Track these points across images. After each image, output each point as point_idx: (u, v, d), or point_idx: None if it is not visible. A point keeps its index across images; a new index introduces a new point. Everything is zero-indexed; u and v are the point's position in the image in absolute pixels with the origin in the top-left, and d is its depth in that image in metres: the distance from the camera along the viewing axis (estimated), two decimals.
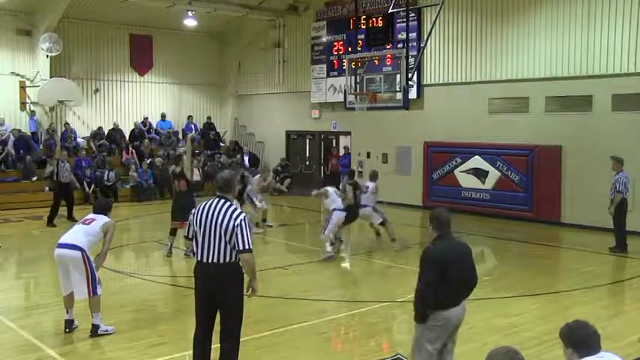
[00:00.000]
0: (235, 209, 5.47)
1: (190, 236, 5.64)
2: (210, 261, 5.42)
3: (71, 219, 15.09)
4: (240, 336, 5.61)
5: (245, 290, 5.58)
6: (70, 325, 7.42)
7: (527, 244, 13.76)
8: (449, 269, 4.94)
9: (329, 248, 11.93)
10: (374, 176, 13.44)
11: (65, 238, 7.34)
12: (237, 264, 5.45)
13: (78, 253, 7.15)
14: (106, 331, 7.35)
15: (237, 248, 5.36)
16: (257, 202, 15.04)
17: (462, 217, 15.88)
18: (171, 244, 11.88)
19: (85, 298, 7.26)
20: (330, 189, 12.41)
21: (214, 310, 5.56)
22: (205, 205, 5.58)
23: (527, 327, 7.74)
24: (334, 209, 11.99)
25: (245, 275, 5.55)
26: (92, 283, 7.20)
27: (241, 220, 5.39)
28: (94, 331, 7.28)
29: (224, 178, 5.70)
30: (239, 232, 5.34)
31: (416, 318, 5.17)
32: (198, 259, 5.50)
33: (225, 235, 5.36)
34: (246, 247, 5.35)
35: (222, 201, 5.53)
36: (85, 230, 7.35)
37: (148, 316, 8.23)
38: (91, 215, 7.59)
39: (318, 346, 7.21)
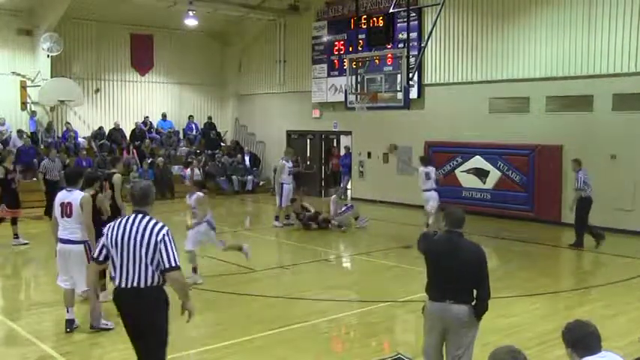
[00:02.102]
0: (156, 223, 4.82)
1: (102, 259, 4.99)
2: (130, 286, 4.78)
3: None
4: None
5: (181, 313, 5.02)
6: (70, 324, 7.43)
7: (528, 243, 13.76)
8: (433, 262, 5.20)
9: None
10: (428, 160, 14.61)
11: (64, 233, 7.39)
12: (161, 287, 4.85)
13: (80, 247, 7.33)
14: (106, 325, 7.40)
15: (162, 267, 4.74)
16: (278, 197, 15.48)
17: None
18: None
19: (86, 290, 7.28)
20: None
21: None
22: (121, 222, 4.92)
23: (527, 327, 7.74)
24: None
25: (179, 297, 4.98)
26: None
27: (164, 234, 4.76)
28: (96, 325, 7.37)
29: (142, 189, 4.99)
30: (163, 248, 4.72)
31: None
32: (116, 284, 4.87)
33: (146, 256, 4.73)
34: (173, 264, 4.72)
35: (141, 216, 4.87)
36: (72, 222, 7.35)
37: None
38: (66, 196, 7.43)
39: (318, 346, 7.22)
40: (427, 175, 14.18)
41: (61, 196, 7.51)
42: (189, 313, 5.04)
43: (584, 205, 12.77)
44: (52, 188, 15.92)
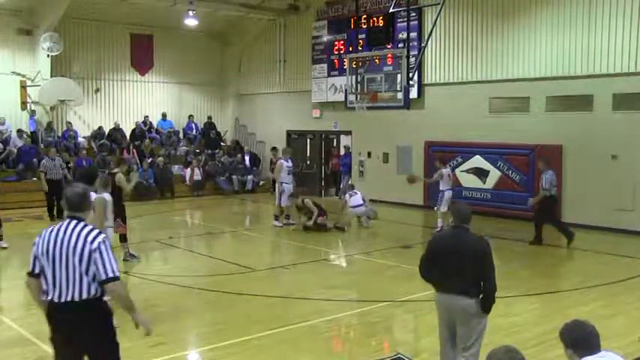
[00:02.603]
0: (91, 230, 4.41)
1: (37, 271, 4.47)
2: (64, 300, 4.34)
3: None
4: None
5: (135, 327, 4.60)
6: None
7: (528, 243, 13.76)
8: (435, 255, 5.47)
9: None
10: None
11: None
12: (100, 299, 4.44)
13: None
14: None
15: (99, 278, 4.32)
16: (277, 196, 15.46)
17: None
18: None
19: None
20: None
21: None
22: (53, 229, 4.48)
23: (527, 327, 7.75)
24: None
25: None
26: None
27: (100, 242, 4.34)
28: None
29: (76, 194, 4.53)
30: (98, 257, 4.30)
31: None
32: (49, 298, 4.40)
33: (80, 265, 4.31)
34: (110, 274, 4.30)
35: (74, 223, 4.43)
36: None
37: (148, 316, 8.21)
38: None
39: (318, 346, 7.22)
40: (449, 176, 14.63)
41: None
42: (142, 326, 4.58)
43: (548, 203, 13.06)
44: (53, 188, 15.97)
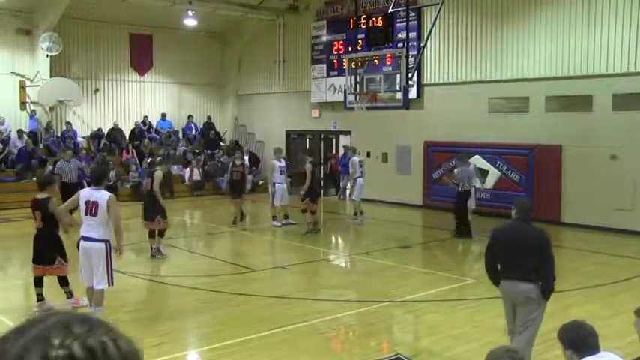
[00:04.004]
0: None
1: None
2: None
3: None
4: None
5: None
6: None
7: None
8: (499, 245, 6.01)
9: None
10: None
11: (87, 231, 7.53)
12: None
13: (102, 245, 7.45)
14: None
15: None
16: (270, 197, 15.47)
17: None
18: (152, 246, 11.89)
19: (105, 288, 7.47)
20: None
21: None
22: None
23: None
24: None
25: None
26: (110, 273, 7.49)
27: None
28: None
29: None
30: None
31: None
32: None
33: None
34: None
35: None
36: (97, 222, 7.48)
37: (148, 316, 8.23)
38: (92, 195, 7.54)
39: (318, 346, 7.21)
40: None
41: (87, 194, 7.62)
42: None
43: (463, 197, 13.81)
44: (69, 191, 15.57)
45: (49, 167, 19.27)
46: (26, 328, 0.97)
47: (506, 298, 6.06)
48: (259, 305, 8.76)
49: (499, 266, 6.04)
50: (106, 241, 7.50)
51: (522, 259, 5.81)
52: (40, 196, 8.18)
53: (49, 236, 8.28)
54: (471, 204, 14.13)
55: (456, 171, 14.11)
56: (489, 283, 6.20)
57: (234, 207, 15.70)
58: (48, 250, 8.25)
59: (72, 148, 20.83)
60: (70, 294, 8.46)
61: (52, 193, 8.50)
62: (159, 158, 21.47)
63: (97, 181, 7.73)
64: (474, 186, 14.45)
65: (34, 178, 19.20)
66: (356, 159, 15.85)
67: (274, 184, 15.38)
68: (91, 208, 7.47)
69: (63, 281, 8.42)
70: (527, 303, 5.82)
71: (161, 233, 11.84)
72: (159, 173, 11.68)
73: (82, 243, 7.59)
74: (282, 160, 15.74)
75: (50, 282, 8.60)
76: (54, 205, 8.16)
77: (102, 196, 7.47)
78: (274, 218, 15.62)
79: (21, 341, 0.94)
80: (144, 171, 11.94)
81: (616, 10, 14.56)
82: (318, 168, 14.64)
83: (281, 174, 15.42)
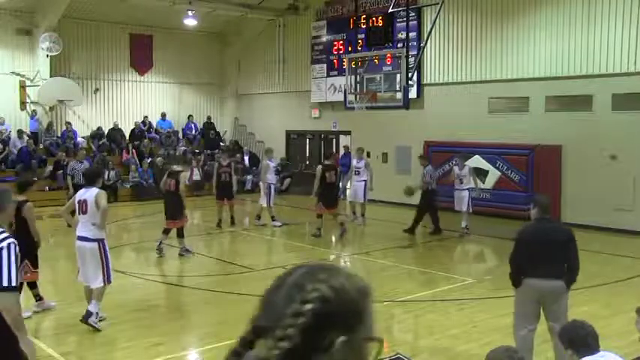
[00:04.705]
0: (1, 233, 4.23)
1: None
2: None
3: None
4: None
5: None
6: (88, 316, 7.47)
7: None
8: (527, 244, 6.07)
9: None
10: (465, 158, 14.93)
11: (80, 231, 7.59)
12: None
13: (95, 244, 7.48)
14: (101, 318, 7.44)
15: None
16: (266, 198, 15.39)
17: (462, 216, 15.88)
18: (160, 243, 11.91)
19: (100, 286, 7.47)
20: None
21: None
22: None
23: None
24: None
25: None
26: (107, 271, 7.51)
27: (2, 247, 4.09)
28: (87, 318, 7.34)
29: None
30: None
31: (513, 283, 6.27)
32: None
33: None
34: (4, 283, 3.98)
35: None
36: (88, 220, 7.52)
37: (148, 316, 8.23)
38: (82, 194, 7.63)
39: None
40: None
41: (80, 193, 7.70)
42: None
43: (431, 196, 14.12)
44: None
45: (49, 167, 19.33)
46: (282, 281, 1.34)
47: (532, 296, 6.09)
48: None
49: (524, 266, 6.10)
50: (99, 240, 7.52)
51: (554, 257, 6.00)
52: (20, 198, 7.53)
53: (19, 242, 7.98)
54: (468, 207, 14.10)
55: (427, 170, 14.21)
56: (489, 283, 6.22)
57: (219, 207, 15.38)
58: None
59: (71, 148, 20.86)
60: (38, 297, 8.28)
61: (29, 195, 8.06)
62: (159, 158, 21.56)
63: (89, 180, 7.77)
64: (471, 188, 14.33)
65: (35, 179, 19.27)
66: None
67: (269, 184, 15.35)
68: (82, 206, 7.55)
69: (32, 285, 8.17)
70: (559, 299, 6.02)
71: (181, 233, 11.88)
72: (185, 174, 11.96)
73: (77, 242, 7.64)
74: (274, 160, 15.81)
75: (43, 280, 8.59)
76: (28, 210, 7.66)
77: (91, 193, 7.54)
78: (273, 218, 15.63)
79: (282, 291, 1.31)
80: (170, 171, 12.00)
81: (616, 10, 14.56)
82: (334, 172, 14.05)
83: (275, 174, 15.46)
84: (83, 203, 7.54)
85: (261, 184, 16.00)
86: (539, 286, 6.03)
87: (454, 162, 15.04)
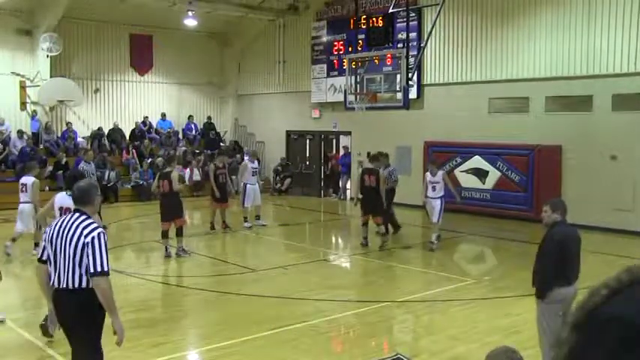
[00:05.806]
0: (90, 224, 4.69)
1: (45, 258, 4.79)
2: (61, 286, 4.66)
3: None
4: None
5: (113, 332, 4.78)
6: None
7: (528, 243, 13.74)
8: (568, 251, 5.93)
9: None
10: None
11: None
12: (91, 291, 4.62)
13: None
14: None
15: (88, 271, 4.59)
16: (240, 198, 15.42)
17: (462, 216, 15.90)
18: (166, 246, 11.91)
19: None
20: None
21: None
22: (59, 221, 4.86)
23: (527, 327, 7.73)
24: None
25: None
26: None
27: (94, 237, 4.60)
28: None
29: (81, 189, 4.90)
30: (90, 251, 4.56)
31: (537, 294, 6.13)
32: (53, 284, 4.74)
33: (74, 256, 4.60)
34: (98, 269, 4.55)
35: (77, 215, 4.75)
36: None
37: (148, 316, 8.23)
38: (66, 200, 7.35)
39: (318, 346, 7.21)
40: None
41: (61, 199, 7.57)
42: (116, 332, 4.75)
43: (391, 195, 13.96)
44: None
45: (49, 167, 19.33)
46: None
47: (565, 304, 5.81)
48: (259, 305, 8.76)
49: (562, 272, 5.91)
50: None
51: (578, 262, 6.03)
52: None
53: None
54: (439, 218, 12.71)
55: (386, 172, 13.35)
56: (488, 283, 6.21)
57: (213, 210, 15.06)
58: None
59: (71, 149, 20.88)
60: None
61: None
62: (159, 159, 21.55)
63: (69, 186, 7.59)
64: (443, 196, 12.86)
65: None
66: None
67: (245, 184, 15.32)
68: (65, 213, 7.41)
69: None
70: (573, 303, 5.85)
71: (180, 232, 11.93)
72: (175, 174, 11.94)
73: None
74: (256, 162, 15.93)
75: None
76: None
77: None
78: (245, 219, 15.38)
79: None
80: (161, 173, 12.06)
81: (616, 10, 14.56)
82: (375, 176, 12.59)
83: (253, 175, 15.42)
84: (67, 210, 7.26)
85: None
86: (572, 294, 5.86)
87: (428, 168, 13.67)
